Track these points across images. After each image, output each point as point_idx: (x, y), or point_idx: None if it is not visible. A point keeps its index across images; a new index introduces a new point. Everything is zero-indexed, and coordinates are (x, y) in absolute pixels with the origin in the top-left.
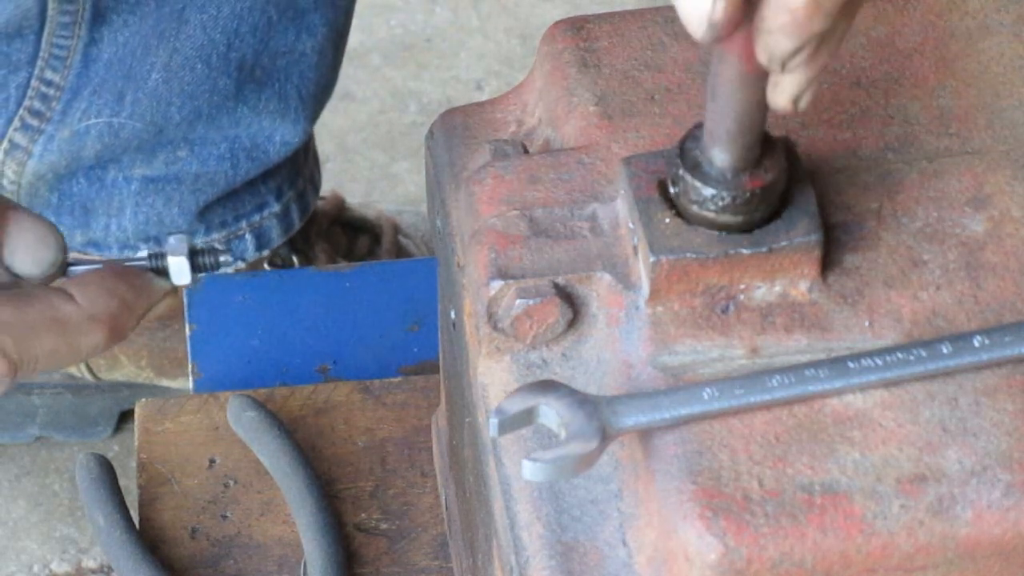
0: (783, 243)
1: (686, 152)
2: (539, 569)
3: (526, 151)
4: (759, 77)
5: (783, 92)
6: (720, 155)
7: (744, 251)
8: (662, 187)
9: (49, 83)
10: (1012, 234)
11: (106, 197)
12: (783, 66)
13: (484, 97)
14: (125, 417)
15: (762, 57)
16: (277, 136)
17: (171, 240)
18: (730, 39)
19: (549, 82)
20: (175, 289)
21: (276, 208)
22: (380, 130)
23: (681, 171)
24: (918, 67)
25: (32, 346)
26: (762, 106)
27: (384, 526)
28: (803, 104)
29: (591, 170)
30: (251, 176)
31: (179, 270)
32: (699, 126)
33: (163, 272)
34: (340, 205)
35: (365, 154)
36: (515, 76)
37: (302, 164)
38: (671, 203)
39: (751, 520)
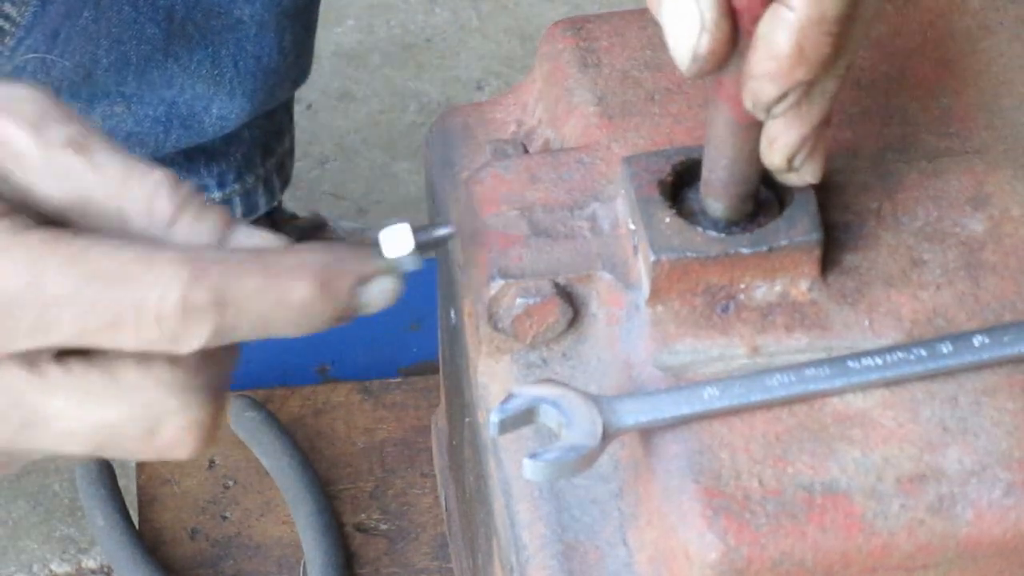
0: (783, 242)
1: (684, 198)
2: (539, 569)
3: (526, 151)
4: (751, 127)
5: (777, 150)
6: (714, 204)
7: (744, 250)
8: (662, 187)
9: (6, 17)
10: (1012, 233)
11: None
12: (768, 112)
13: (484, 97)
14: None
15: (747, 102)
16: (214, 108)
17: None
18: (719, 84)
19: (549, 82)
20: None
21: (216, 195)
22: (380, 130)
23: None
24: (918, 67)
25: (238, 282)
26: (755, 158)
27: (384, 526)
28: (799, 164)
29: (591, 170)
30: (181, 145)
31: None
32: (697, 164)
33: None
34: (320, 225)
35: (365, 154)
36: (515, 76)
37: (256, 162)
38: (671, 203)
39: (752, 519)
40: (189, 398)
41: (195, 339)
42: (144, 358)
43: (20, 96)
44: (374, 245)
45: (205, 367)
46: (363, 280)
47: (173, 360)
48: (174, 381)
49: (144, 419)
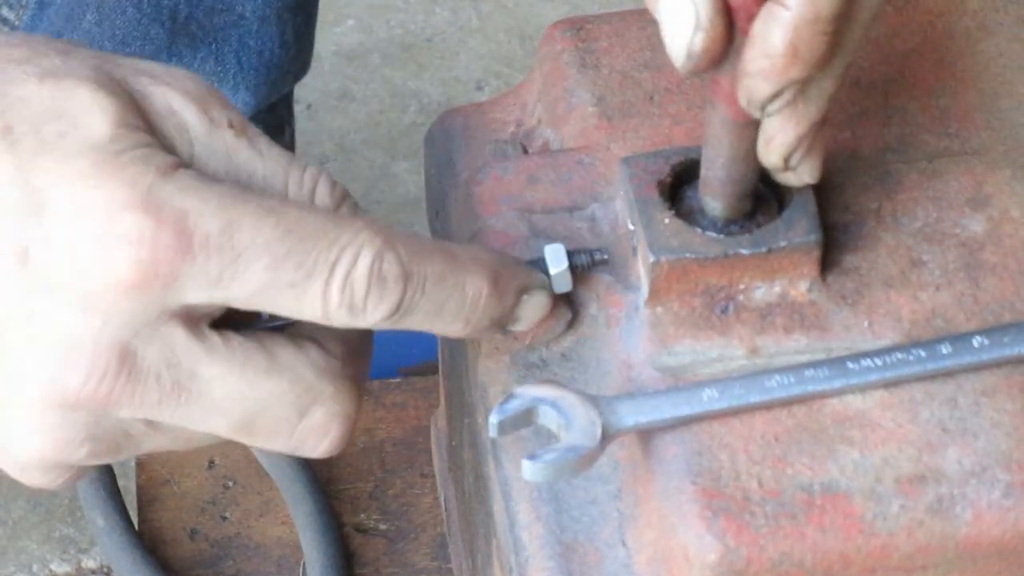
0: (782, 243)
1: (682, 199)
2: (539, 569)
3: (526, 151)
4: (747, 126)
5: (774, 149)
6: (712, 203)
7: (744, 251)
8: (661, 187)
9: (4, 21)
10: (1011, 234)
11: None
12: (762, 111)
13: (484, 97)
14: None
15: (742, 100)
16: None
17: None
18: (716, 83)
19: (548, 83)
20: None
21: None
22: (380, 130)
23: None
24: (918, 67)
25: (422, 261)
26: (752, 156)
27: (383, 527)
28: (796, 163)
29: (590, 170)
30: None
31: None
32: (695, 165)
33: None
34: None
35: (365, 154)
36: (515, 76)
37: None
38: (670, 203)
39: (751, 520)
40: (341, 387)
41: (375, 312)
42: (298, 341)
43: (183, 75)
44: (536, 261)
45: (352, 361)
46: (527, 289)
47: (326, 348)
48: (329, 367)
49: (298, 399)
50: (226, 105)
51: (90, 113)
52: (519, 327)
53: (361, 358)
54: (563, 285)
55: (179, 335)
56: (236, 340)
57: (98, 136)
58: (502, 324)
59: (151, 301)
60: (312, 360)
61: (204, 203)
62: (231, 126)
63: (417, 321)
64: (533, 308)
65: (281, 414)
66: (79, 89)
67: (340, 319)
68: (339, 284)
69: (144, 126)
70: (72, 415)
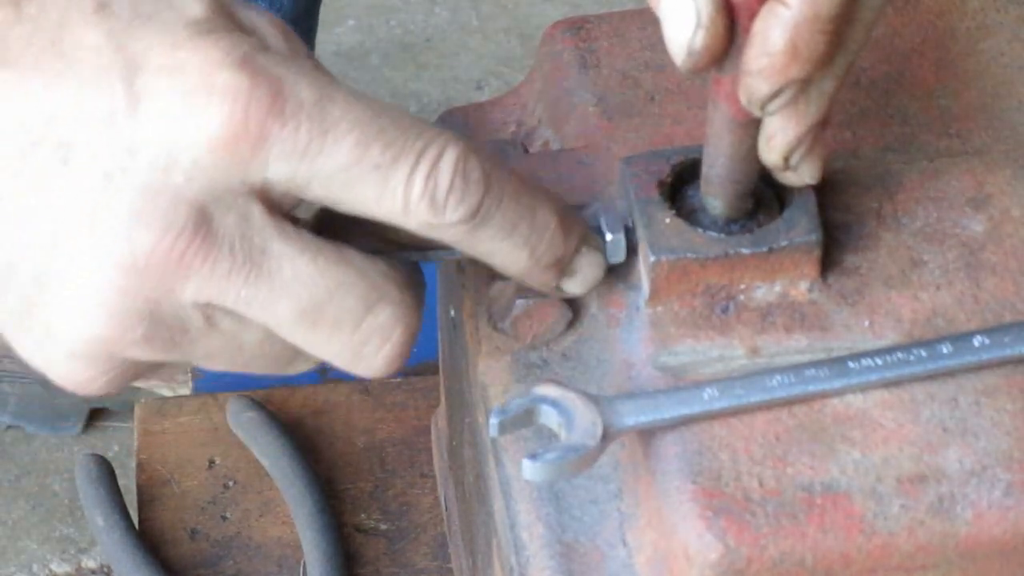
0: (783, 243)
1: (683, 199)
2: (539, 569)
3: (526, 151)
4: (748, 124)
5: (774, 148)
6: (713, 202)
7: (744, 251)
8: (662, 187)
9: None
10: (1012, 234)
11: None
12: (762, 109)
13: (484, 97)
14: (96, 415)
15: (742, 98)
16: None
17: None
18: (717, 81)
19: (549, 82)
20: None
21: None
22: None
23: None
24: (918, 67)
25: (501, 175)
26: (753, 155)
27: (383, 526)
28: (796, 162)
29: (591, 170)
30: None
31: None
32: (696, 164)
33: None
34: None
35: None
36: (515, 76)
37: None
38: (671, 203)
39: (751, 520)
40: (407, 295)
41: (455, 211)
42: (367, 254)
43: (265, 12)
44: (593, 227)
45: (414, 282)
46: (587, 242)
47: (392, 263)
48: (396, 275)
49: (367, 293)
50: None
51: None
52: (573, 285)
53: (421, 286)
54: (617, 254)
55: (256, 211)
56: (310, 232)
57: (193, 14)
58: (561, 269)
59: (236, 164)
60: (381, 267)
61: (300, 75)
62: (309, 57)
63: (489, 236)
64: (591, 265)
65: (349, 304)
66: None
67: (420, 213)
68: (424, 173)
69: (236, 26)
70: (137, 283)
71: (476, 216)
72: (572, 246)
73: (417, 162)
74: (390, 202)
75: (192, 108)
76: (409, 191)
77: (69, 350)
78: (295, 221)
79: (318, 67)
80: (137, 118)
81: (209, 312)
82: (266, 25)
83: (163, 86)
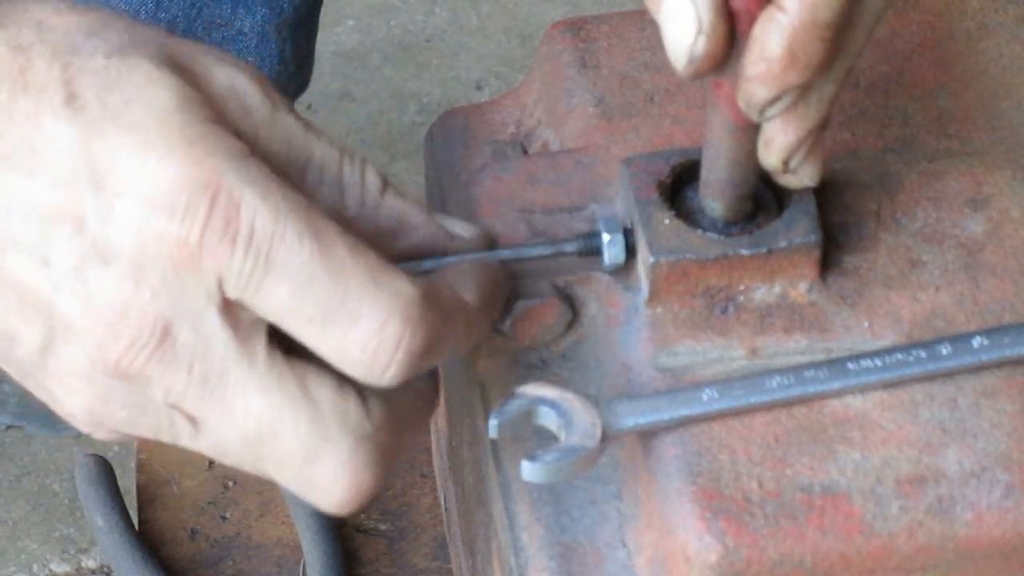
0: (782, 244)
1: (682, 199)
2: (539, 570)
3: (525, 152)
4: (748, 128)
5: (774, 151)
6: (712, 204)
7: (743, 252)
8: (661, 188)
9: None
10: (1011, 235)
11: None
12: (760, 115)
13: (484, 98)
14: None
15: (741, 103)
16: None
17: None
18: (717, 86)
19: (548, 83)
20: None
21: None
22: (380, 130)
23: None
24: (917, 68)
25: (446, 332)
26: (753, 159)
27: (383, 527)
28: (796, 165)
29: (590, 171)
30: None
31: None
32: (695, 166)
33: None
34: None
35: (365, 154)
36: (515, 76)
37: None
38: (670, 204)
39: (751, 521)
40: (362, 450)
41: (391, 380)
42: (342, 389)
43: (241, 60)
44: (593, 235)
45: (390, 430)
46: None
47: (366, 406)
48: (356, 425)
49: (310, 440)
50: (280, 93)
51: (155, 87)
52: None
53: (405, 430)
54: (617, 257)
55: (220, 333)
56: (280, 361)
57: (162, 106)
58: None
59: (198, 284)
60: (343, 410)
61: (262, 201)
62: (290, 111)
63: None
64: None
65: (289, 449)
66: (144, 65)
67: (355, 373)
68: (359, 344)
69: (209, 106)
70: (112, 382)
71: (411, 374)
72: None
73: (348, 330)
74: (327, 354)
75: (157, 226)
76: (343, 356)
77: (70, 415)
78: (273, 334)
79: (295, 129)
80: (107, 228)
81: (190, 416)
82: (244, 83)
83: (131, 198)
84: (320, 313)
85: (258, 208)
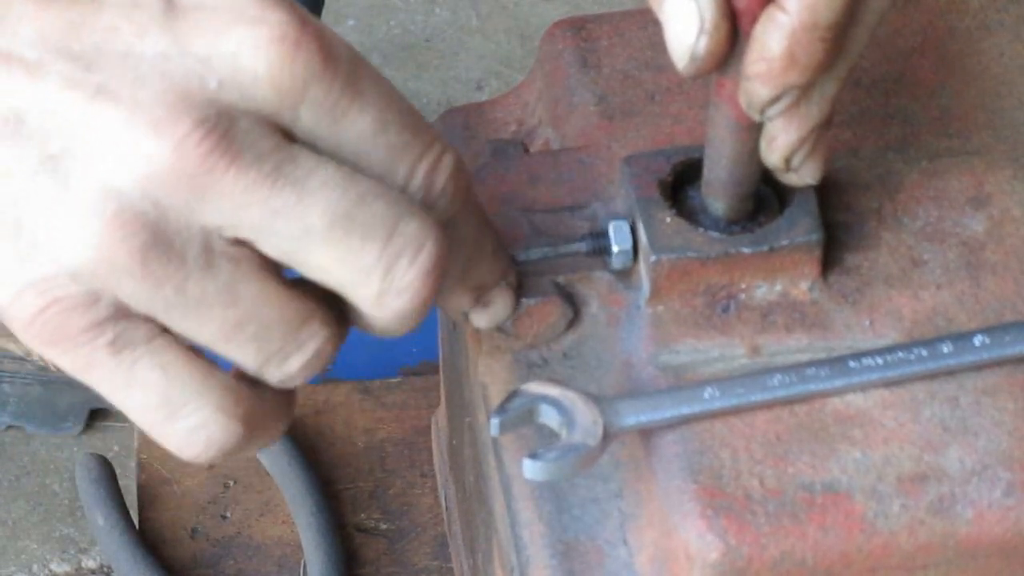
0: (784, 242)
1: (684, 198)
2: (540, 568)
3: (526, 151)
4: (751, 127)
5: (776, 150)
6: (714, 203)
7: (745, 250)
8: (662, 187)
9: None
10: (1012, 233)
11: None
12: (761, 114)
13: (484, 97)
14: (96, 415)
15: (742, 103)
16: None
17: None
18: (719, 84)
19: (549, 82)
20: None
21: None
22: None
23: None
24: (918, 67)
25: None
26: (755, 158)
27: (384, 526)
28: (798, 164)
29: (591, 170)
30: None
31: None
32: (697, 164)
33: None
34: None
35: None
36: (515, 76)
37: None
38: (672, 203)
39: (752, 519)
40: (224, 415)
41: (446, 209)
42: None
43: None
44: (600, 234)
45: (260, 404)
46: (507, 278)
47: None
48: (225, 392)
49: (395, 201)
50: None
51: None
52: (481, 318)
53: (273, 408)
54: (624, 261)
55: (277, 132)
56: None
57: None
58: (478, 297)
59: (275, 99)
60: (401, 195)
61: (340, 40)
62: None
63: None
64: (503, 303)
65: (380, 209)
66: None
67: (416, 197)
68: (426, 168)
69: None
70: (151, 183)
71: (448, 221)
72: (496, 277)
73: (422, 155)
74: (392, 179)
75: (239, 37)
76: (410, 179)
77: (53, 265)
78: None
79: None
80: (175, 30)
81: (213, 245)
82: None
83: (206, 10)
84: (401, 140)
85: (341, 43)
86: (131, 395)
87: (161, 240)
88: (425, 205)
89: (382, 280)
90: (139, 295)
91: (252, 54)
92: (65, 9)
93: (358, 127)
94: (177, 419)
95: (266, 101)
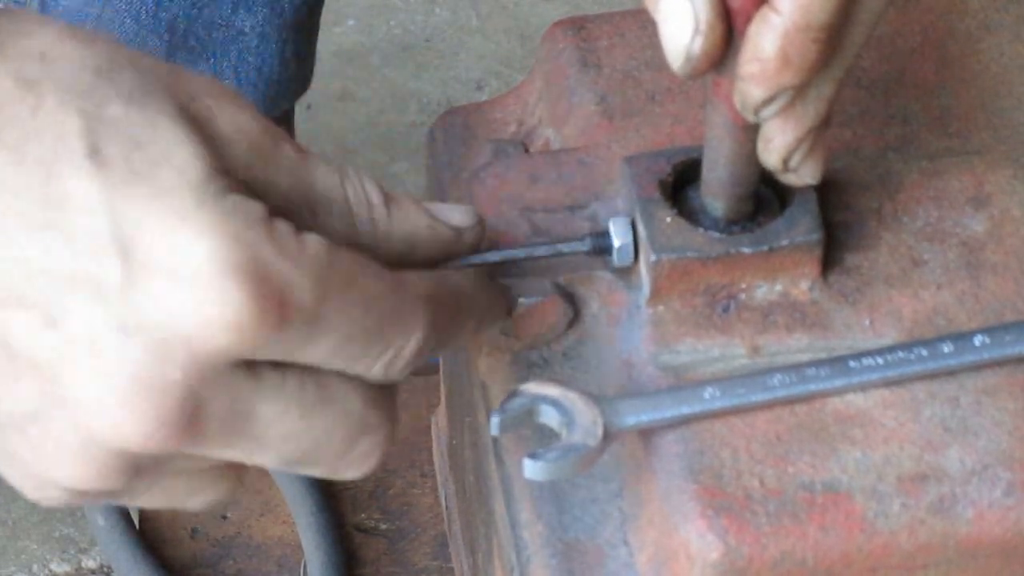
0: (784, 242)
1: (684, 198)
2: (540, 568)
3: (527, 151)
4: (748, 127)
5: (773, 150)
6: (713, 203)
7: (745, 250)
8: (663, 186)
9: None
10: (1012, 233)
11: None
12: (756, 115)
13: (484, 97)
14: None
15: (737, 103)
16: None
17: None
18: (716, 84)
19: (549, 82)
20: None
21: None
22: (380, 130)
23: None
24: (918, 67)
25: (457, 330)
26: (753, 158)
27: (384, 526)
28: (796, 164)
29: (592, 170)
30: None
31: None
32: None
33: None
34: None
35: (365, 154)
36: (515, 76)
37: None
38: (672, 202)
39: (752, 519)
40: (384, 414)
41: (406, 372)
42: (345, 373)
43: (238, 97)
44: (601, 234)
45: (392, 396)
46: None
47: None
48: (374, 397)
49: (348, 430)
50: (278, 96)
51: (181, 150)
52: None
53: (395, 399)
54: (625, 258)
55: (242, 380)
56: (293, 379)
57: (192, 175)
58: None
59: (232, 359)
60: (360, 392)
61: (303, 274)
62: (286, 139)
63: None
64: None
65: (334, 445)
66: (163, 120)
67: (380, 376)
68: (383, 366)
69: (225, 170)
70: (122, 455)
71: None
72: (500, 318)
73: (383, 354)
74: (365, 374)
75: (195, 312)
76: (368, 371)
77: (48, 484)
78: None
79: (296, 159)
80: (132, 299)
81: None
82: (246, 121)
83: (162, 272)
84: (362, 351)
85: (303, 283)
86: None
87: (139, 476)
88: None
89: (327, 476)
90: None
91: (212, 334)
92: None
93: (319, 352)
94: (355, 447)
95: (226, 363)
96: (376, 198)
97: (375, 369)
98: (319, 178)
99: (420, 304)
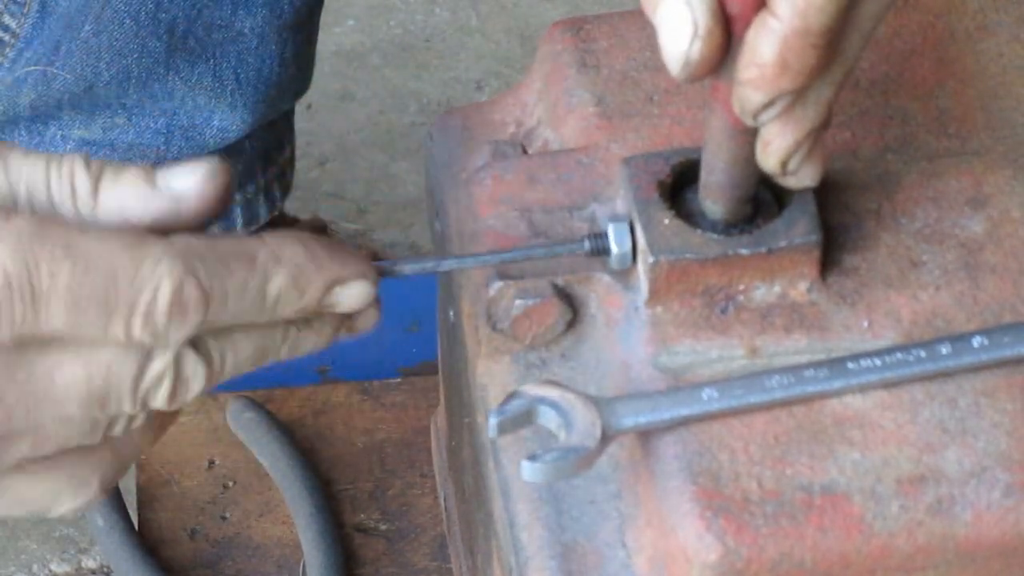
0: (782, 243)
1: (683, 199)
2: (538, 570)
3: (525, 152)
4: (747, 130)
5: (772, 153)
6: (712, 206)
7: (743, 251)
8: (661, 188)
9: (6, 28)
10: (1011, 234)
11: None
12: (754, 119)
13: (484, 97)
14: None
15: (736, 108)
16: (215, 120)
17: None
18: (715, 88)
19: (548, 83)
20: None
21: None
22: (380, 130)
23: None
24: (917, 67)
25: (222, 278)
26: (752, 161)
27: (383, 527)
28: (795, 167)
29: (590, 171)
30: (182, 156)
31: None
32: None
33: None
34: (320, 228)
35: (365, 154)
36: (515, 76)
37: (257, 172)
38: (670, 204)
39: (751, 520)
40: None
41: (177, 335)
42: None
43: None
44: (600, 236)
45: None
46: (340, 282)
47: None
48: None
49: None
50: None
51: None
52: (342, 309)
53: (124, 447)
54: (624, 262)
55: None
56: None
57: None
58: (311, 315)
59: None
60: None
61: (2, 244)
62: None
63: (225, 331)
64: (348, 299)
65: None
66: None
67: (147, 343)
68: (140, 321)
69: None
70: None
71: (209, 308)
72: (313, 298)
73: (132, 312)
74: (120, 340)
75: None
76: (130, 336)
77: None
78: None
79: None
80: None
81: None
82: None
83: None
84: (101, 313)
85: (4, 256)
86: None
87: None
88: (160, 339)
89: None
90: None
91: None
92: None
93: (52, 322)
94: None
95: None
96: (83, 187)
97: (134, 332)
98: (24, 173)
99: (159, 249)
